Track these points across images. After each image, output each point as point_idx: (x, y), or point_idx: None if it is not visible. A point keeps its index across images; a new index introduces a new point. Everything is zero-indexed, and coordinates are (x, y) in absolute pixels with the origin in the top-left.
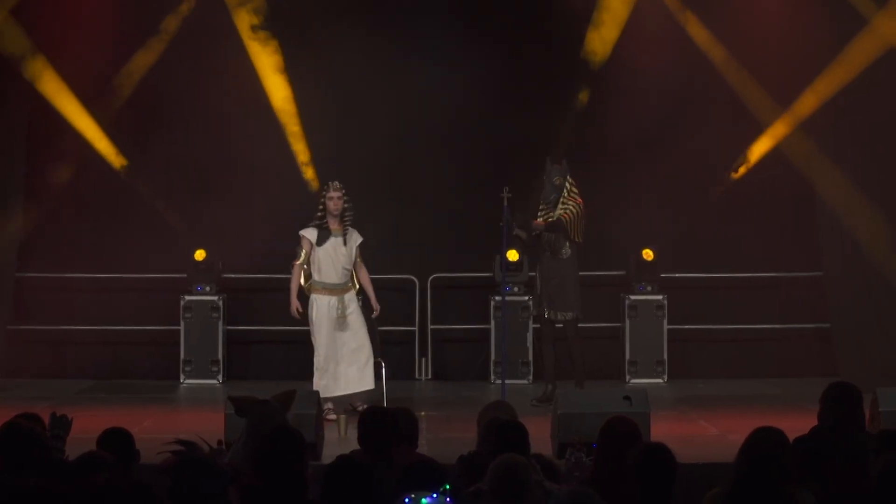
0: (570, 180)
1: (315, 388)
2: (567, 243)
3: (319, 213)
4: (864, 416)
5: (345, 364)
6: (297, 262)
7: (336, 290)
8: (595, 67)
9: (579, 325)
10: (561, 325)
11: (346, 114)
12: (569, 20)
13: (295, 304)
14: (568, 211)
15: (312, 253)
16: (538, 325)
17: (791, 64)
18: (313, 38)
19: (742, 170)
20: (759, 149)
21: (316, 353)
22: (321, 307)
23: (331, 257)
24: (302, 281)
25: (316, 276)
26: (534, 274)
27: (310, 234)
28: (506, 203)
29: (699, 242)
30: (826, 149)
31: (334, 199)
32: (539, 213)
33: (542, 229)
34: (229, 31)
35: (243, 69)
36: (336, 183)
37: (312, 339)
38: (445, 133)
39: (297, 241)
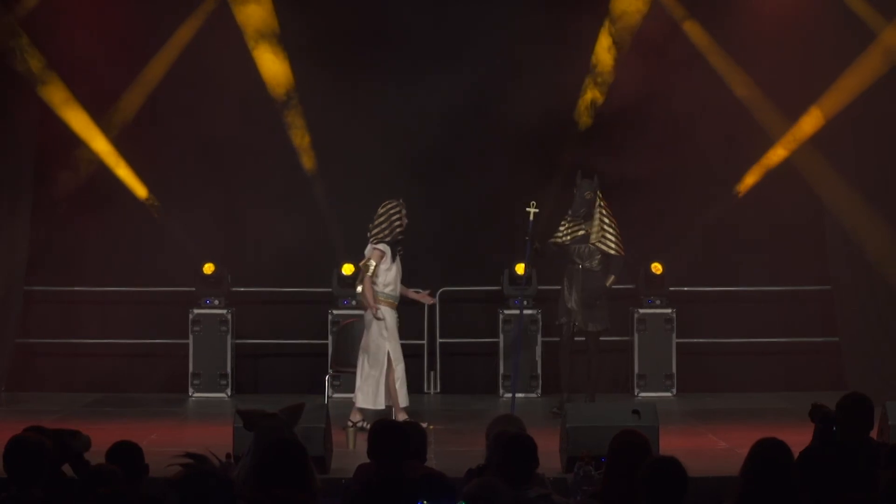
0: (600, 195)
1: (388, 400)
2: (599, 257)
3: (398, 229)
4: (871, 427)
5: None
6: (369, 275)
7: (396, 303)
8: (602, 81)
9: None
10: (582, 339)
11: (354, 126)
12: (575, 36)
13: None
14: (615, 243)
15: (383, 267)
16: (559, 338)
17: (799, 78)
18: (324, 49)
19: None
20: (768, 162)
21: (397, 364)
22: (393, 320)
23: (399, 272)
24: (360, 289)
25: (387, 290)
26: (547, 286)
27: (386, 249)
28: (531, 218)
29: (708, 256)
30: (834, 162)
31: (406, 215)
32: (567, 227)
33: (613, 282)
34: (238, 47)
35: (252, 84)
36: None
37: (380, 351)
38: (452, 148)
39: (309, 255)
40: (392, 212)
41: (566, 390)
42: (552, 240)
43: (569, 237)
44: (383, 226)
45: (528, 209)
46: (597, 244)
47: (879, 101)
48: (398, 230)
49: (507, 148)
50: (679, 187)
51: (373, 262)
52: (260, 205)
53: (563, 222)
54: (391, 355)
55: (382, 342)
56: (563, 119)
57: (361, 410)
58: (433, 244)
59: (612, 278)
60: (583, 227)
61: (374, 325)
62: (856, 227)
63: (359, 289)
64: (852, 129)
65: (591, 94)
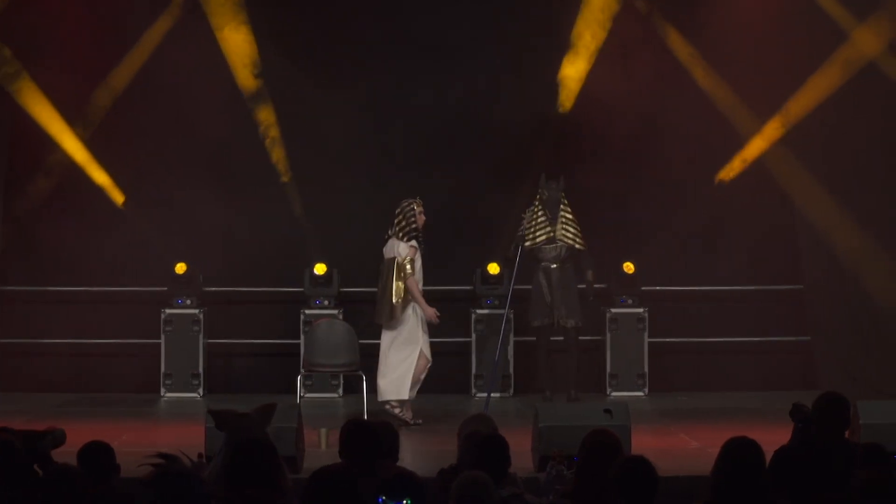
0: (563, 194)
1: (405, 394)
2: (566, 254)
3: (413, 226)
4: (847, 426)
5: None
6: (412, 274)
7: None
8: (574, 82)
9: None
10: (561, 338)
11: (326, 124)
12: (546, 38)
13: (431, 309)
14: (578, 236)
15: (417, 264)
16: (535, 338)
17: (771, 77)
18: (296, 45)
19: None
20: (740, 162)
21: (421, 360)
22: (422, 316)
23: (422, 269)
24: (397, 289)
25: (419, 287)
26: (518, 287)
27: (417, 246)
28: (525, 223)
29: (680, 255)
30: (806, 162)
31: (422, 213)
32: (538, 227)
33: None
34: (209, 44)
35: (224, 81)
36: (419, 199)
37: (415, 348)
38: (424, 146)
39: (281, 255)
40: (407, 210)
41: (547, 388)
42: (525, 242)
43: (533, 241)
44: (403, 224)
45: (523, 215)
46: (561, 239)
47: (850, 101)
48: (414, 227)
49: (479, 147)
50: (651, 186)
51: (409, 260)
52: (231, 204)
53: (526, 225)
54: (423, 351)
55: (418, 339)
56: (536, 119)
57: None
58: None
59: (590, 273)
60: (549, 228)
61: (411, 322)
62: (827, 226)
63: (399, 285)
64: (824, 129)
65: (565, 94)
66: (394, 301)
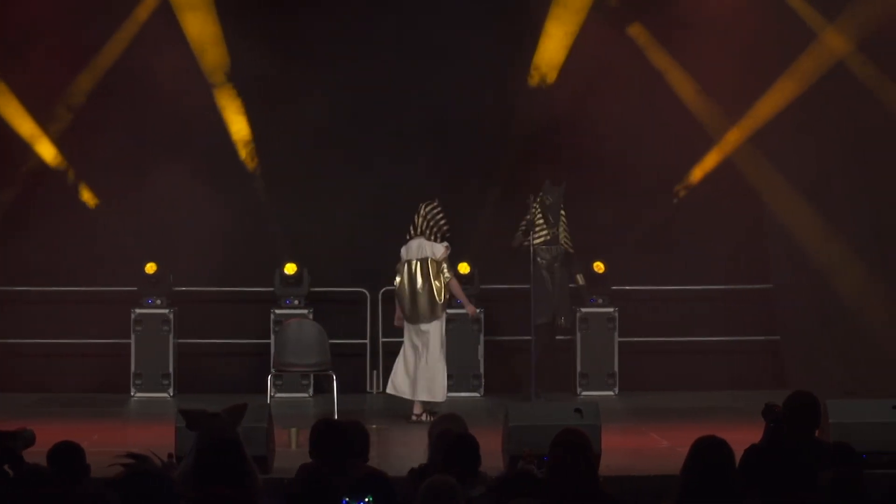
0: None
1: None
2: (564, 258)
3: (445, 227)
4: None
5: None
6: (452, 277)
7: None
8: (545, 83)
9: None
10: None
11: (295, 123)
12: (516, 37)
13: (473, 307)
14: (570, 242)
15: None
16: (533, 336)
17: (741, 78)
18: (265, 43)
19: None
20: (710, 162)
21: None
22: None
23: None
24: (437, 288)
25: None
26: (490, 286)
27: (449, 247)
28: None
29: (650, 255)
30: (775, 162)
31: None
32: (537, 229)
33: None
34: (180, 43)
35: (193, 81)
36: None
37: (440, 353)
38: (396, 149)
39: (252, 256)
40: (434, 212)
41: (536, 388)
42: (524, 243)
43: (533, 241)
44: (432, 225)
45: (527, 201)
46: (561, 243)
47: (819, 101)
48: (445, 227)
49: (450, 148)
50: (621, 186)
51: (446, 260)
52: (201, 203)
53: (528, 227)
54: (443, 356)
55: (443, 338)
56: (508, 120)
57: (426, 403)
58: (375, 241)
59: (580, 276)
60: (547, 232)
61: (439, 323)
62: (796, 226)
63: (438, 284)
64: (793, 128)
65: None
66: (438, 300)
